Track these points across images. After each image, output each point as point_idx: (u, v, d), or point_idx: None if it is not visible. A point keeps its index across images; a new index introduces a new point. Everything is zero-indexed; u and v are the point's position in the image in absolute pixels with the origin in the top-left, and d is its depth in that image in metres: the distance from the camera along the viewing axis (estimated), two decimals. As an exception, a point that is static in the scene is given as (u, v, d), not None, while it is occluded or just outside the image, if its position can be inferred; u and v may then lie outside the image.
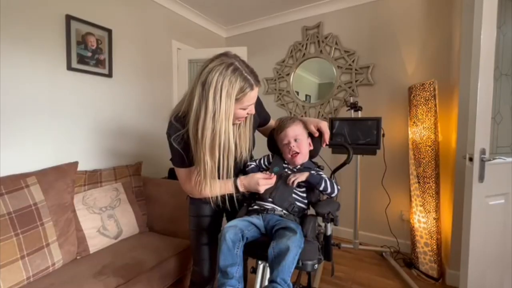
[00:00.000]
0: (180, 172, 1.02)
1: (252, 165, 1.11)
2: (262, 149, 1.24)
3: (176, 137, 0.93)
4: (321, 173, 1.06)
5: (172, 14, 2.49)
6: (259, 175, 0.99)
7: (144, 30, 2.21)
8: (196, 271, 1.14)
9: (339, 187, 1.03)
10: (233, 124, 0.96)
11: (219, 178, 0.96)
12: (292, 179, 0.99)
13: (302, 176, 0.99)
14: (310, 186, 1.02)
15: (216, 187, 0.97)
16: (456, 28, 1.84)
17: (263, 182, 0.98)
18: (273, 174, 1.02)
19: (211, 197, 0.98)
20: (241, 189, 1.00)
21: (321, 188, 0.99)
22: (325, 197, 1.13)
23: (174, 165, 1.02)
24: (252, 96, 0.89)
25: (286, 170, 1.07)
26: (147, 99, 2.25)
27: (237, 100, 0.86)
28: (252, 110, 0.96)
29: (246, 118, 1.02)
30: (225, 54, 0.88)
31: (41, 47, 1.55)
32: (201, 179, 0.92)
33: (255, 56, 2.94)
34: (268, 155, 1.15)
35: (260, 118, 1.15)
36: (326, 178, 1.02)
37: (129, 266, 1.30)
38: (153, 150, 2.28)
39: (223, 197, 1.00)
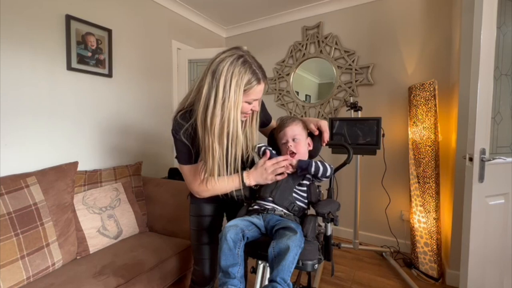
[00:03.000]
0: (186, 170, 1.00)
1: (269, 147, 1.10)
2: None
3: (184, 132, 0.93)
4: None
5: (172, 14, 2.49)
6: (264, 160, 0.99)
7: (144, 30, 2.21)
8: (197, 270, 1.14)
9: (331, 166, 1.02)
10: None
11: (226, 166, 0.96)
12: (282, 159, 1.01)
13: (293, 160, 1.01)
14: (302, 171, 1.01)
15: (223, 182, 0.97)
16: (456, 28, 1.84)
17: (270, 163, 0.97)
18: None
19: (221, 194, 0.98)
20: (248, 182, 0.98)
21: (312, 170, 0.98)
22: (325, 197, 1.13)
23: (181, 163, 1.01)
24: (258, 90, 0.91)
25: None
26: (147, 99, 2.25)
27: (244, 91, 0.88)
28: (256, 106, 0.97)
29: (252, 117, 1.02)
30: (237, 48, 0.92)
31: (41, 47, 1.55)
32: (207, 168, 0.91)
33: (255, 56, 2.91)
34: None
35: (261, 119, 1.15)
36: (316, 160, 1.02)
37: (129, 266, 1.30)
38: (153, 150, 2.28)
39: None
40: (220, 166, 0.93)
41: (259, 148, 1.08)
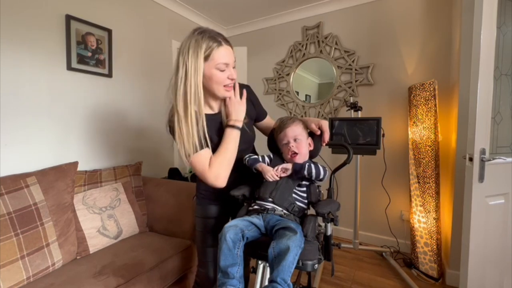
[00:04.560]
0: (196, 159, 0.95)
1: (254, 156, 1.09)
2: (262, 150, 1.24)
3: (171, 118, 0.95)
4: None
5: (172, 14, 2.49)
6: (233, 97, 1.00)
7: (144, 30, 2.21)
8: (201, 272, 1.14)
9: (326, 169, 1.02)
10: (224, 95, 0.96)
11: (198, 134, 0.93)
12: (279, 167, 1.02)
13: (288, 165, 1.02)
14: (296, 174, 1.02)
15: (223, 148, 0.96)
16: (456, 28, 1.84)
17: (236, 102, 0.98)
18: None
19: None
20: (239, 124, 0.98)
21: (305, 172, 0.99)
22: (325, 197, 1.13)
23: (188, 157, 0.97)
24: (222, 53, 0.90)
25: None
26: (147, 99, 2.25)
27: (206, 58, 0.88)
28: (233, 74, 0.95)
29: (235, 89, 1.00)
30: (199, 27, 0.93)
31: (41, 47, 1.55)
32: (178, 136, 0.91)
33: (255, 56, 2.94)
34: (269, 155, 1.16)
35: (256, 111, 1.15)
36: (310, 162, 1.02)
37: (129, 266, 1.30)
38: (153, 150, 2.28)
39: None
40: (195, 139, 0.91)
41: (245, 159, 1.08)
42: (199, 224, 1.13)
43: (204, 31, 0.90)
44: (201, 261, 1.14)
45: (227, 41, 0.93)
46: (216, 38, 0.89)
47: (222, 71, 0.92)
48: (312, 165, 1.00)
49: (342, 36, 2.48)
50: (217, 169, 0.95)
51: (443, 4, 2.03)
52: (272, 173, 1.01)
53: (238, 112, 0.99)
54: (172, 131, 0.96)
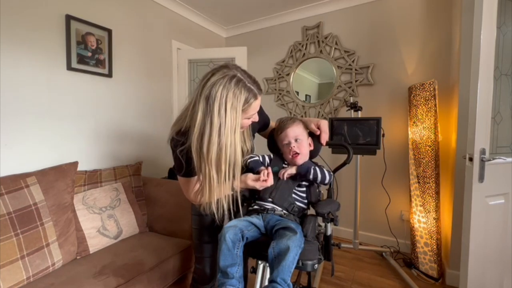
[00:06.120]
0: (181, 180, 1.01)
1: (255, 158, 1.08)
2: (262, 150, 1.24)
3: (180, 152, 0.91)
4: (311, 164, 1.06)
5: (172, 14, 2.49)
6: (250, 175, 0.99)
7: (144, 30, 2.21)
8: (198, 268, 1.15)
9: (331, 173, 1.03)
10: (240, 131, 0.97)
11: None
12: (283, 172, 1.02)
13: (292, 169, 1.02)
14: (301, 177, 1.02)
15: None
16: (456, 28, 1.84)
17: (251, 182, 0.97)
18: (265, 170, 1.01)
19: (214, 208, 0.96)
20: (236, 188, 0.97)
21: (311, 177, 1.00)
22: (325, 197, 1.13)
23: (177, 173, 1.01)
24: (256, 105, 0.89)
25: None
26: (147, 99, 2.25)
27: (242, 111, 0.86)
28: (256, 117, 0.97)
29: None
30: (226, 66, 0.86)
31: (41, 47, 1.55)
32: (204, 194, 0.89)
33: (255, 56, 2.94)
34: (269, 155, 1.16)
35: (260, 124, 1.15)
36: (315, 166, 1.02)
37: (129, 266, 1.30)
38: (153, 150, 2.28)
39: (228, 209, 0.98)
40: (218, 191, 0.90)
41: (245, 160, 1.07)
42: (195, 221, 1.15)
43: (240, 80, 0.83)
44: (198, 258, 1.16)
45: (260, 89, 0.89)
46: (253, 90, 0.85)
47: (249, 118, 0.92)
48: (318, 169, 1.00)
49: (342, 36, 2.48)
50: (197, 202, 0.98)
51: (443, 4, 2.03)
52: (261, 180, 0.96)
53: (248, 186, 0.99)
54: (178, 154, 0.92)
